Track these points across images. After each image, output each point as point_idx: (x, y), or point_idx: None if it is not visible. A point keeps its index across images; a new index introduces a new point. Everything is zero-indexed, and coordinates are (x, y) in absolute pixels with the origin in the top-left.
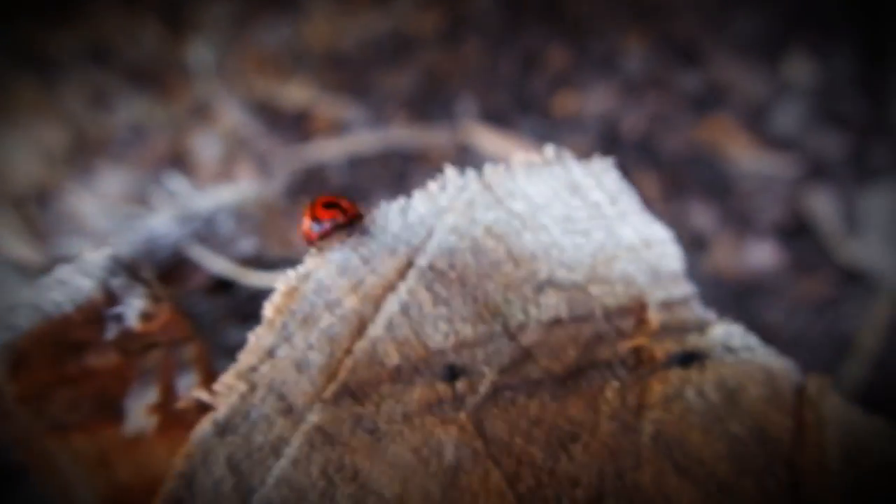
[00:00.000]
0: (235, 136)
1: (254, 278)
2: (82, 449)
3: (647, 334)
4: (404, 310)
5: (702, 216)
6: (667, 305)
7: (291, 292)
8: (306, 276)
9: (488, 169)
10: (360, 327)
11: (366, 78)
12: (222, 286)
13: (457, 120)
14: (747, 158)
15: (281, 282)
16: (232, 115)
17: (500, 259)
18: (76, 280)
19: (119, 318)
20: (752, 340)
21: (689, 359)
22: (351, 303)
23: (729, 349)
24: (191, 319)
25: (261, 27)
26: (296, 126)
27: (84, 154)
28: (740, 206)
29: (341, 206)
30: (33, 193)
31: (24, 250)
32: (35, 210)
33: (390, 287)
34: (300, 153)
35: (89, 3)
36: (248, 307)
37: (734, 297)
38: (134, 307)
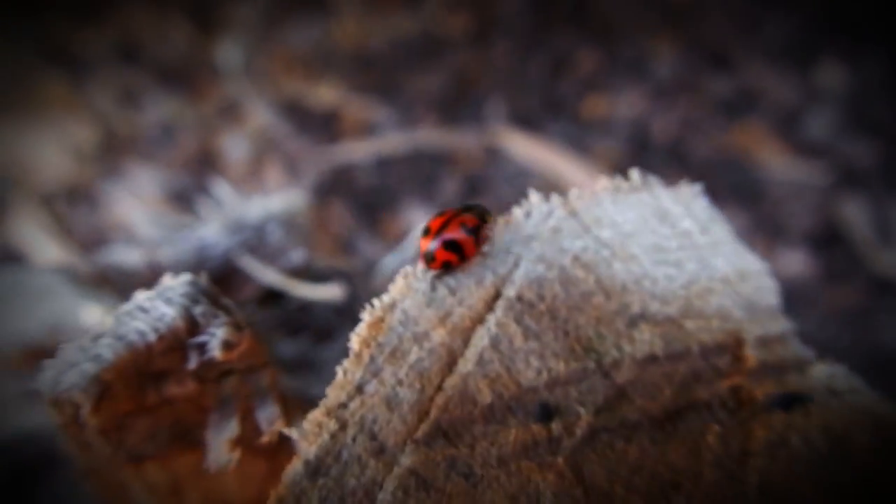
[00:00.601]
0: (264, 137)
1: (304, 290)
2: (155, 478)
3: (744, 373)
4: (494, 344)
5: (733, 223)
6: (764, 342)
7: (377, 323)
8: (392, 306)
9: (573, 194)
10: (451, 362)
11: (394, 79)
12: (272, 297)
13: (485, 122)
14: (778, 165)
15: (367, 312)
16: (261, 116)
17: (590, 290)
18: (158, 307)
19: (201, 348)
20: (857, 382)
21: (792, 401)
22: (439, 336)
23: (833, 392)
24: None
25: (290, 27)
26: (324, 127)
27: (114, 152)
28: (771, 213)
29: (455, 241)
30: (63, 191)
31: (53, 249)
32: (65, 208)
33: (479, 319)
34: (329, 154)
35: (119, 2)
36: (298, 319)
37: None
38: (217, 336)
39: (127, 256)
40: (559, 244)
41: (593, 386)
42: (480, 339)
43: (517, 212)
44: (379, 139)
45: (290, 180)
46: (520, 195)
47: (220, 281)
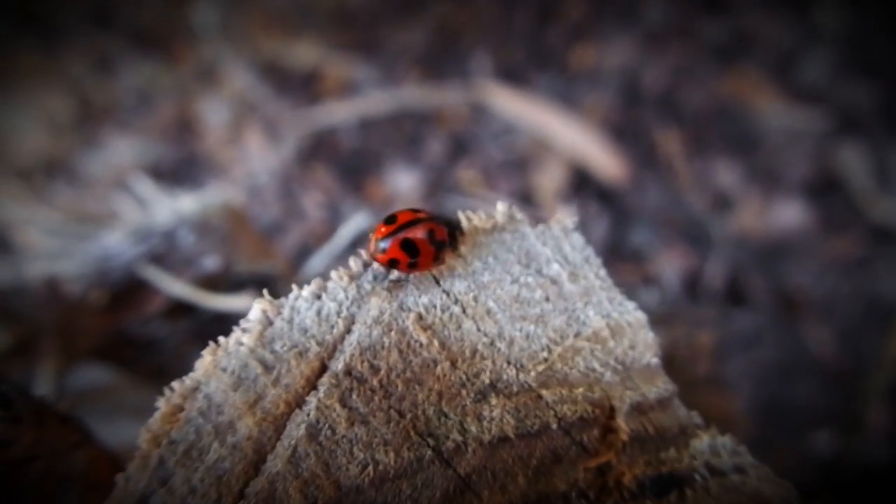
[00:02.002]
0: (243, 100)
1: (214, 301)
2: None
3: (615, 450)
4: (312, 434)
5: (727, 174)
6: (640, 409)
7: (174, 413)
8: (194, 390)
9: None
10: (258, 460)
11: (375, 35)
12: (183, 308)
13: (470, 78)
14: (774, 112)
15: (164, 399)
16: (239, 78)
17: (433, 358)
18: None
19: None
20: (744, 457)
21: (666, 486)
22: (247, 426)
23: (715, 470)
24: (150, 346)
25: None
26: (304, 88)
27: (90, 122)
28: (767, 162)
29: (415, 243)
30: (41, 164)
31: (32, 218)
32: (43, 180)
33: (297, 402)
34: (310, 116)
35: None
36: (213, 329)
37: (761, 258)
38: None
39: (23, 271)
40: (401, 301)
41: (430, 479)
42: (296, 428)
43: (354, 262)
44: (361, 99)
45: (270, 145)
46: (508, 153)
47: (124, 294)
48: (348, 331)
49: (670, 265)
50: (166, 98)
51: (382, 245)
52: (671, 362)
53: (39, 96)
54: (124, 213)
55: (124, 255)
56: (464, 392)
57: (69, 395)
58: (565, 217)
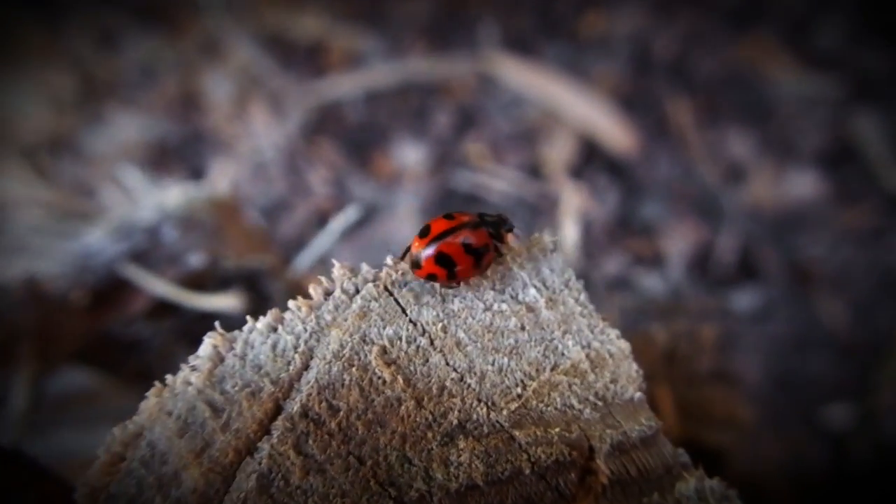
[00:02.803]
0: (247, 74)
1: (198, 301)
2: None
3: (594, 493)
4: (264, 486)
5: (739, 144)
6: (622, 449)
7: (114, 463)
8: (136, 437)
9: (388, 265)
10: None
11: (381, 5)
12: (168, 307)
13: (478, 48)
14: (788, 79)
15: (102, 450)
16: (243, 51)
17: (396, 396)
18: None
19: None
20: (734, 502)
21: None
22: (192, 478)
23: None
24: (134, 347)
25: None
26: (309, 60)
27: (94, 99)
28: (780, 131)
29: (450, 256)
30: (46, 142)
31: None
32: (47, 158)
33: (248, 449)
34: (315, 90)
35: None
36: (198, 328)
37: (774, 230)
38: None
39: (1, 270)
40: (364, 333)
41: None
42: (246, 479)
43: (315, 290)
44: (367, 71)
45: (275, 119)
46: (516, 125)
47: (106, 293)
48: (306, 367)
49: (682, 239)
50: (170, 73)
51: (418, 260)
52: (673, 357)
53: (42, 73)
54: (111, 205)
55: (106, 253)
56: (429, 434)
57: (50, 400)
58: (545, 237)
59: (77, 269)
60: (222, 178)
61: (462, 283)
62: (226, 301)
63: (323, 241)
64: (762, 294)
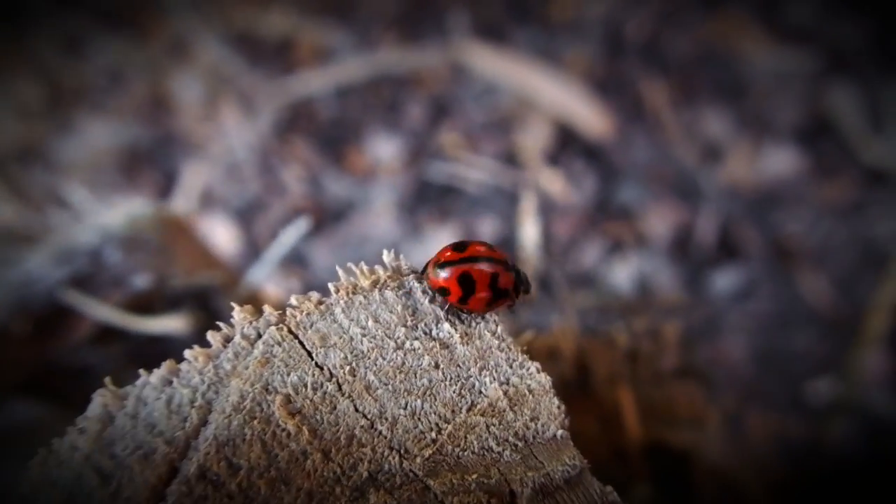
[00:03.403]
0: (216, 74)
1: (143, 324)
2: None
3: None
4: None
5: (716, 123)
6: (545, 492)
7: None
8: None
9: (294, 305)
10: None
11: None
12: (115, 332)
13: (448, 37)
14: (762, 55)
15: None
16: (211, 51)
17: (302, 450)
18: None
19: None
20: None
21: None
22: None
23: None
24: (82, 374)
25: None
26: (278, 57)
27: (62, 106)
28: (756, 108)
29: (474, 280)
30: (15, 152)
31: (8, 212)
32: (17, 170)
33: None
34: (285, 87)
35: None
36: (148, 351)
37: (754, 208)
38: None
39: None
40: (267, 381)
41: None
42: None
43: (213, 336)
44: (337, 66)
45: (246, 119)
46: (490, 113)
47: (49, 321)
48: (204, 423)
49: (661, 221)
50: (138, 76)
51: (441, 270)
52: (636, 357)
53: (8, 82)
54: (57, 226)
55: (47, 280)
56: (338, 489)
57: None
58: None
59: (17, 297)
60: (195, 180)
61: (462, 312)
62: (172, 323)
63: (274, 253)
64: (744, 273)
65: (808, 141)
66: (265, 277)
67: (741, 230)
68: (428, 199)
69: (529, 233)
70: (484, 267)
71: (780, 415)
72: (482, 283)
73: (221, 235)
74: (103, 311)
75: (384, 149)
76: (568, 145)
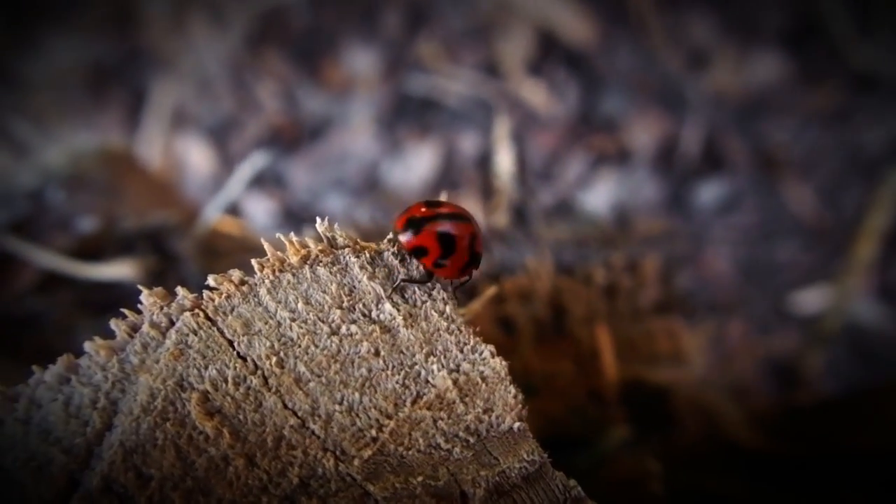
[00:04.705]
0: None
1: (88, 270)
2: None
3: None
4: None
5: (701, 27)
6: (500, 491)
7: None
8: None
9: (211, 286)
10: None
11: None
12: (61, 278)
13: None
14: None
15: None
16: None
17: (223, 455)
18: None
19: None
20: None
21: None
22: None
23: None
24: (28, 323)
25: None
26: None
27: (23, 23)
28: (743, 11)
29: (455, 241)
30: None
31: None
32: None
33: None
34: None
35: None
36: (97, 297)
37: (739, 117)
38: None
39: None
40: (181, 377)
41: None
42: None
43: (118, 325)
44: None
45: (216, 31)
46: (469, 20)
47: None
48: (108, 427)
49: (645, 132)
50: None
51: (419, 226)
52: (614, 293)
53: None
54: None
55: None
56: (265, 499)
57: None
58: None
59: None
60: (165, 98)
61: (433, 279)
62: (123, 269)
63: (232, 189)
64: (728, 184)
65: (795, 45)
66: (221, 213)
67: (726, 140)
68: (407, 113)
69: (504, 161)
70: (464, 227)
71: (764, 333)
72: (462, 246)
73: (195, 157)
74: (47, 257)
75: (361, 60)
76: (550, 53)
